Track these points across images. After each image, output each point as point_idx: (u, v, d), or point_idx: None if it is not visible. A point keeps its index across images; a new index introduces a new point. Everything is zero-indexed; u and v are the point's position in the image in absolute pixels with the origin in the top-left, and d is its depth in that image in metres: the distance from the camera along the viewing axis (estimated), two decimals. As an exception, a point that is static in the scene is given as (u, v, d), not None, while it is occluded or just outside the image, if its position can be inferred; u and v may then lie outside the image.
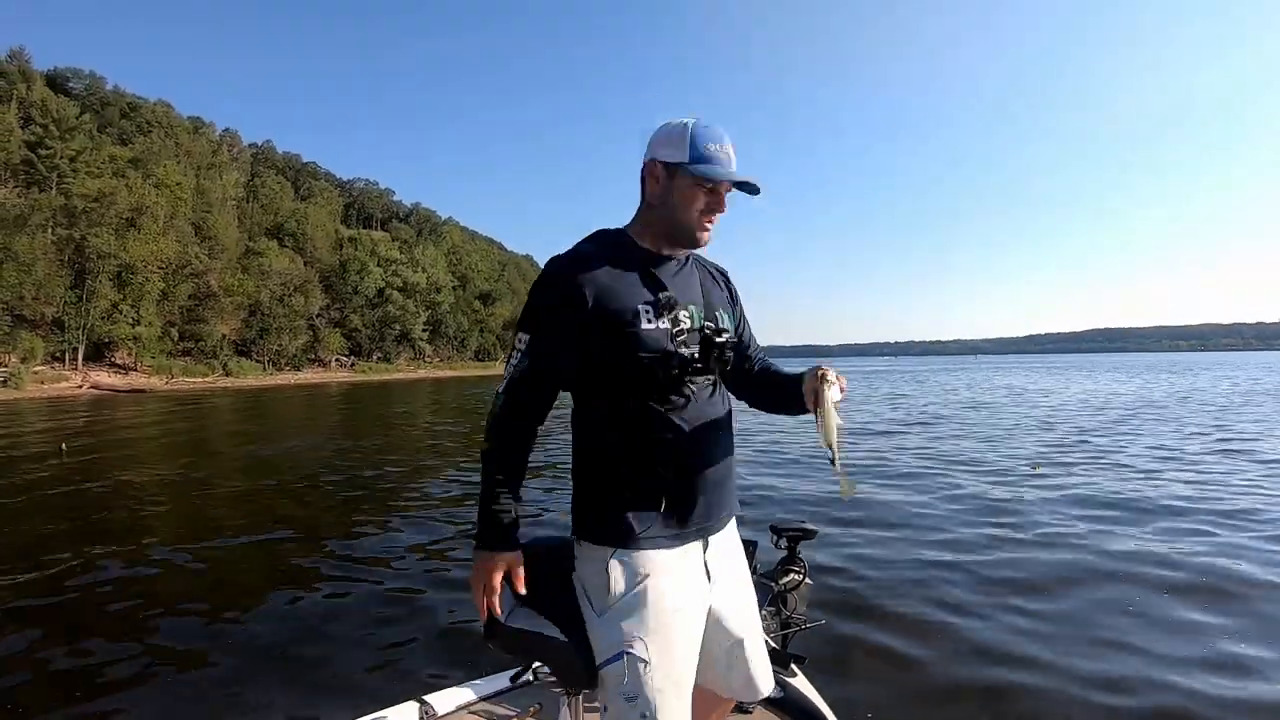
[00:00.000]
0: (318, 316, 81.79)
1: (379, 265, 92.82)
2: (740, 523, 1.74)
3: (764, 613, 2.42)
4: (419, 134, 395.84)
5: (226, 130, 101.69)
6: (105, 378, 53.82)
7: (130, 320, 58.89)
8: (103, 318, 57.25)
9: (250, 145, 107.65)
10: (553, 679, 2.13)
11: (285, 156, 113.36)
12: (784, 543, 2.69)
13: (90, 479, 10.69)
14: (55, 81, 79.53)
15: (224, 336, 69.31)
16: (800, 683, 2.30)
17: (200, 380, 60.67)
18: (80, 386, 49.50)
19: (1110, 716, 3.38)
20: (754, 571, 2.30)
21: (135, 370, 59.23)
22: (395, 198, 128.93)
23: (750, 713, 2.13)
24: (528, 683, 2.17)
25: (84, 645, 4.33)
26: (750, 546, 2.34)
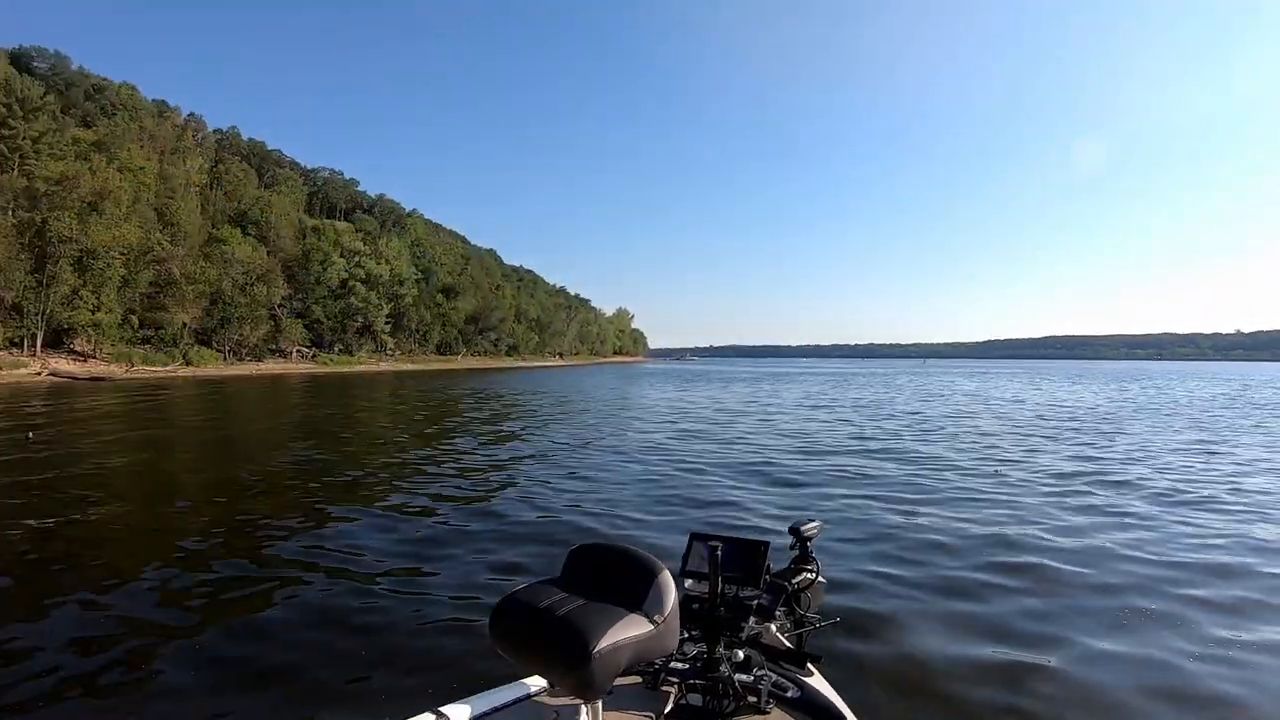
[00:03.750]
0: (280, 306, 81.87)
1: (342, 256, 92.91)
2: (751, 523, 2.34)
3: (778, 612, 2.44)
4: (384, 124, 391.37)
5: (192, 115, 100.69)
6: (65, 365, 53.78)
7: (91, 306, 58.71)
8: (63, 303, 57.00)
9: (215, 131, 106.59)
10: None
11: (250, 143, 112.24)
12: (797, 542, 2.68)
13: (60, 466, 11.23)
14: (19, 60, 78.19)
15: (185, 325, 69.19)
16: (818, 681, 2.26)
17: (160, 369, 60.82)
18: (39, 373, 49.49)
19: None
20: (767, 571, 2.39)
21: (95, 358, 59.13)
22: (360, 188, 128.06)
23: (768, 713, 2.07)
24: (545, 691, 2.08)
25: (77, 654, 4.37)
26: (762, 546, 2.40)
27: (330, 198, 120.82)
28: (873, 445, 14.75)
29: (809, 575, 2.58)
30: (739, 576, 2.32)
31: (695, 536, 2.47)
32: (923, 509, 8.50)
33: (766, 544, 2.38)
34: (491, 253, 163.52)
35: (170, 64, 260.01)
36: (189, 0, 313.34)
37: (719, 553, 2.22)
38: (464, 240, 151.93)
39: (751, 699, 2.07)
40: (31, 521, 7.64)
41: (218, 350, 72.80)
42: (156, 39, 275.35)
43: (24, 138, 64.28)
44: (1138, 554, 6.65)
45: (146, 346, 65.08)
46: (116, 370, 55.80)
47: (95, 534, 7.27)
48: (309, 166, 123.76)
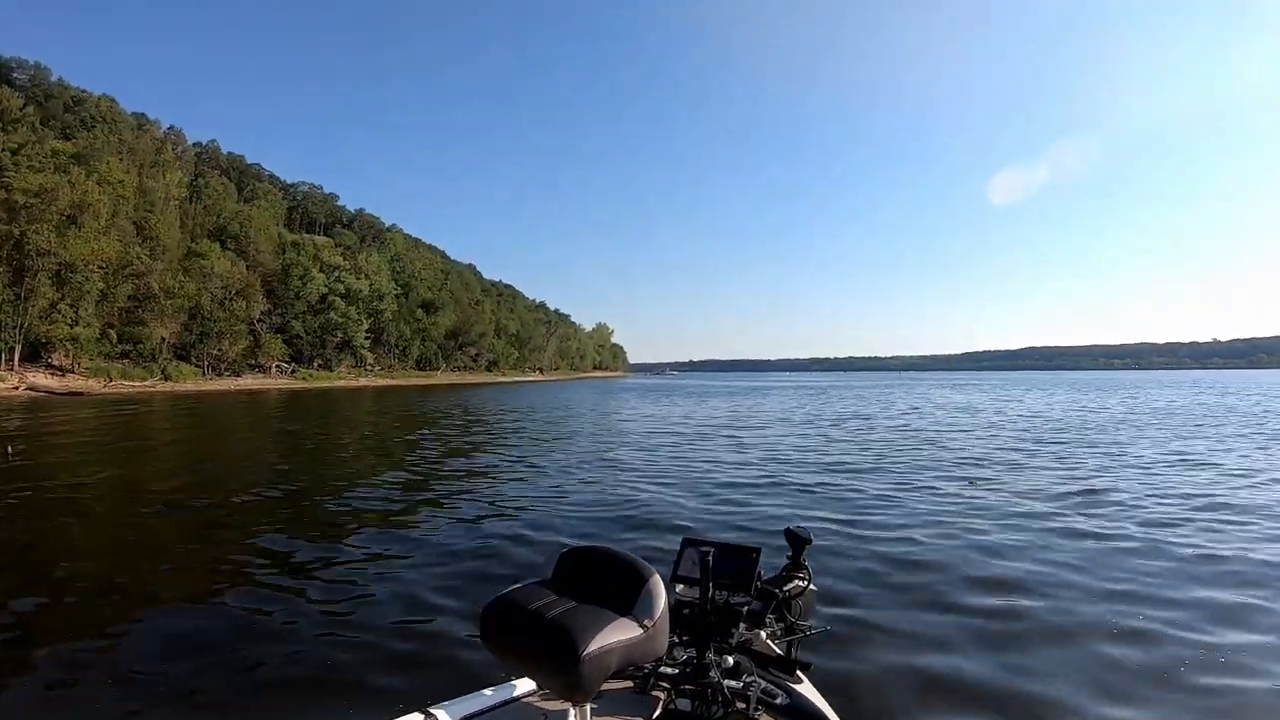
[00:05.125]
0: (259, 321, 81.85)
1: (322, 271, 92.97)
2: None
3: (769, 619, 2.41)
4: (364, 139, 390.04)
5: (171, 128, 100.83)
6: (42, 379, 53.56)
7: (69, 320, 58.54)
8: (41, 317, 56.87)
9: (195, 144, 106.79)
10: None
11: (229, 157, 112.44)
12: (791, 548, 2.64)
13: (41, 481, 11.29)
14: (-2, 72, 78.17)
15: (163, 340, 68.99)
16: (807, 689, 2.26)
17: (139, 384, 60.65)
18: (16, 388, 49.34)
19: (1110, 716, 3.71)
20: (758, 578, 2.36)
21: (72, 372, 58.90)
22: (339, 203, 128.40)
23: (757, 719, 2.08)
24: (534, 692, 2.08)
25: (64, 661, 4.36)
26: (754, 553, 2.37)
27: (310, 212, 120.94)
28: (849, 457, 14.92)
29: (800, 583, 2.54)
30: (730, 582, 2.32)
31: (688, 541, 2.45)
32: (904, 521, 8.54)
33: (759, 550, 2.37)
34: (471, 268, 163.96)
35: (150, 77, 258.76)
36: (170, 13, 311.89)
37: (710, 558, 2.21)
38: (444, 255, 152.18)
39: (740, 705, 2.06)
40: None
41: (196, 365, 72.58)
42: (137, 51, 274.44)
43: (3, 149, 64.06)
44: (1125, 566, 6.63)
45: (124, 361, 64.83)
46: (94, 385, 55.63)
47: (70, 543, 7.53)
48: (288, 181, 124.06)
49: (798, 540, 2.63)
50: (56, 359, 59.61)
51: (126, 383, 59.74)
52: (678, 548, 2.44)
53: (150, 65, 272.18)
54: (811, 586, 2.56)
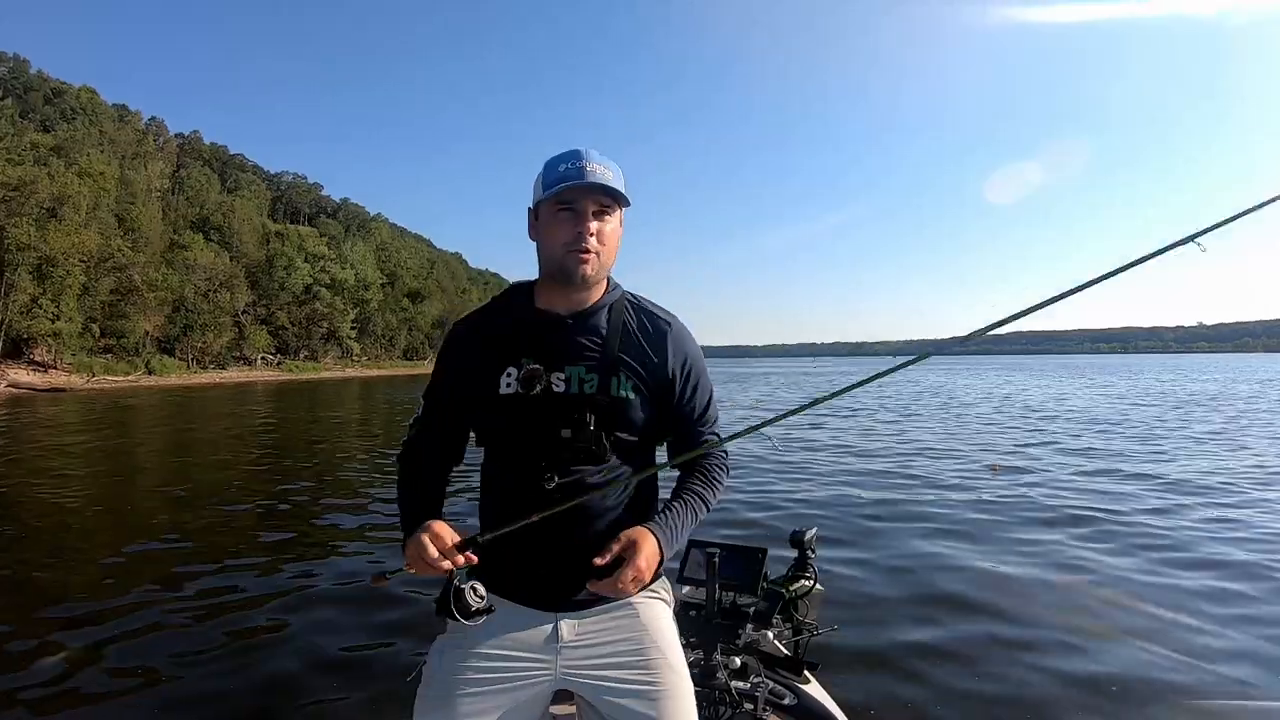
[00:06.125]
0: (243, 313, 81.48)
1: (306, 261, 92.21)
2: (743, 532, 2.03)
3: (776, 619, 2.41)
4: (348, 128, 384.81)
5: (153, 119, 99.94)
6: (24, 376, 53.06)
7: (50, 315, 57.97)
8: (21, 313, 56.41)
9: (177, 135, 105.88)
10: None
11: (212, 147, 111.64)
12: (796, 549, 2.66)
13: (24, 483, 10.81)
14: (-27, 64, 77.23)
15: (147, 333, 68.58)
16: (814, 689, 2.27)
17: (122, 379, 60.22)
18: (-2, 384, 48.76)
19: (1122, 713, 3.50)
20: (764, 578, 2.36)
21: (55, 368, 58.42)
22: (324, 192, 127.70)
23: None
24: None
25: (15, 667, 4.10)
26: (760, 553, 2.37)
27: (294, 202, 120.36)
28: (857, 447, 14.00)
29: (807, 583, 2.57)
30: (737, 583, 2.33)
31: (693, 543, 2.40)
32: (918, 513, 8.09)
33: (764, 551, 2.39)
34: (457, 256, 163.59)
35: (132, 68, 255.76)
36: (150, 5, 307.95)
37: (716, 559, 2.22)
38: (430, 244, 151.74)
39: (748, 706, 2.07)
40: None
41: (180, 359, 72.13)
42: (117, 43, 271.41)
43: (-20, 143, 63.33)
44: (1152, 551, 6.29)
45: (108, 356, 64.31)
46: (77, 381, 55.09)
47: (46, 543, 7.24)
48: (272, 171, 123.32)
49: (805, 541, 2.66)
50: (38, 355, 59.03)
51: (110, 378, 59.17)
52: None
53: (131, 55, 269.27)
54: (818, 586, 2.60)
